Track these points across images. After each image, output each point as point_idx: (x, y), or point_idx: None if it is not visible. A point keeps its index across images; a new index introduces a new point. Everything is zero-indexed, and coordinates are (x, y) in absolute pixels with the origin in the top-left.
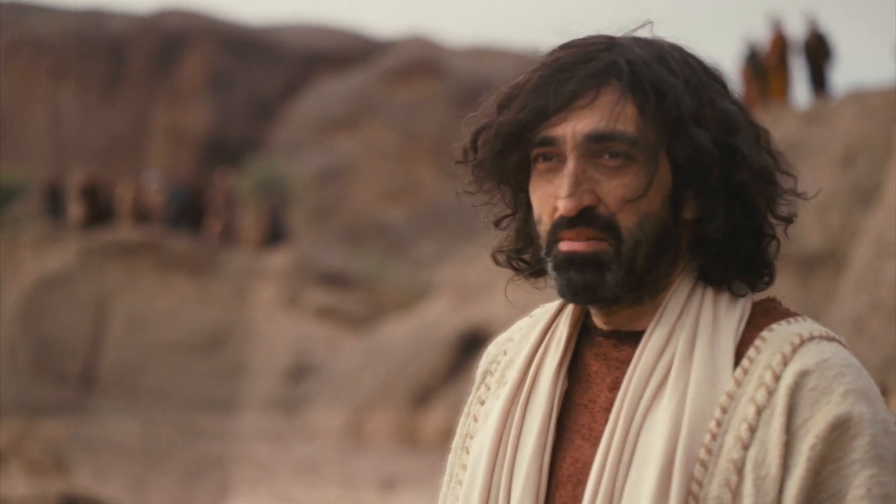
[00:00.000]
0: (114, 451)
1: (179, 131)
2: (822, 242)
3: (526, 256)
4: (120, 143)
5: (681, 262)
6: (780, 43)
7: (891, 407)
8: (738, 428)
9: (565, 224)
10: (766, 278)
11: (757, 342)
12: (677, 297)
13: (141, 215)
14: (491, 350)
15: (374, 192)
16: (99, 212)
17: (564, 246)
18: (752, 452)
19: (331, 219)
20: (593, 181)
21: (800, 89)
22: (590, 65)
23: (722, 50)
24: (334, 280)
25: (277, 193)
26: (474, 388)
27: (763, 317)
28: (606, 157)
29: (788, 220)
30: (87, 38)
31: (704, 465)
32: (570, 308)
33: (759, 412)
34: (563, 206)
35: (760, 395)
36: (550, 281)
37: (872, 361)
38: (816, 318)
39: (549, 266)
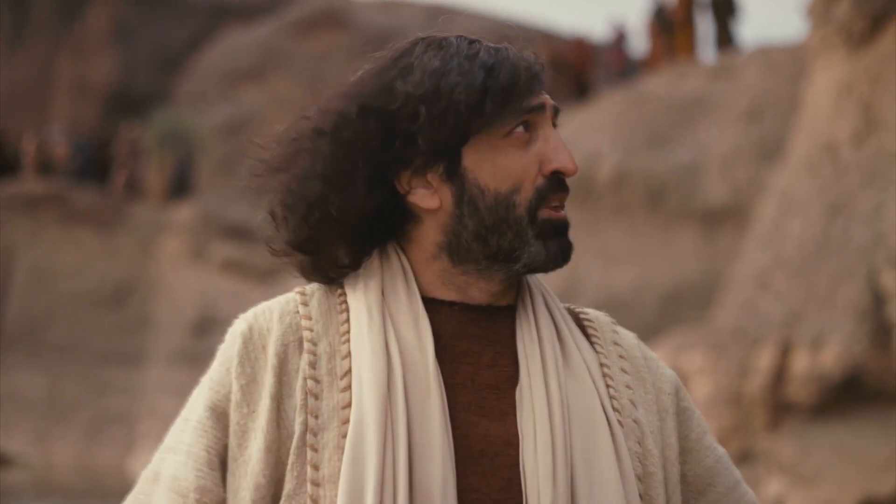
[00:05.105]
0: (18, 405)
1: (84, 83)
2: (727, 197)
3: (308, 248)
4: (24, 95)
5: None
6: None
7: (795, 361)
8: (624, 392)
9: (556, 186)
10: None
11: (585, 320)
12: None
13: (45, 167)
14: (274, 337)
15: None
16: (3, 164)
17: (556, 213)
18: (641, 412)
19: (237, 171)
20: None
21: (706, 45)
22: (525, 52)
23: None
24: (240, 233)
25: (183, 145)
26: (266, 381)
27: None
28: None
29: None
30: None
31: (621, 423)
32: (404, 285)
33: (631, 378)
34: (570, 164)
35: (625, 365)
36: (524, 252)
37: (776, 317)
38: (721, 273)
39: (531, 234)
